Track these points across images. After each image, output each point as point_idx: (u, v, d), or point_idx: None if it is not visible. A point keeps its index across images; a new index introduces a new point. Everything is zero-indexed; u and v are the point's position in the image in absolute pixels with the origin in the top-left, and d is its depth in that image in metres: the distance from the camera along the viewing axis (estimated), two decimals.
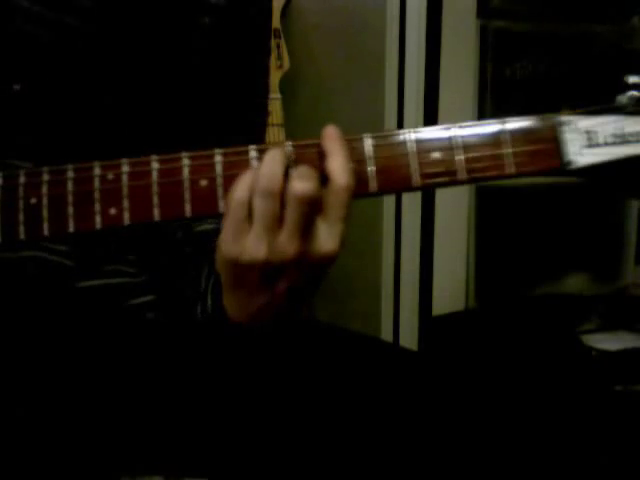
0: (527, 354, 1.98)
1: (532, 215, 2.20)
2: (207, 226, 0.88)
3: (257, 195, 0.65)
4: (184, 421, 0.79)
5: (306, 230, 0.65)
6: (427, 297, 2.12)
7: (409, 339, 2.13)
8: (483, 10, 2.14)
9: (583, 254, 2.26)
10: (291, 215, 0.64)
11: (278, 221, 0.65)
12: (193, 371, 0.83)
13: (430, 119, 2.05)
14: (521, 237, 2.22)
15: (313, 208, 0.65)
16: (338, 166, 0.66)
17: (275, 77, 2.17)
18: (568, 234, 2.22)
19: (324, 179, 0.66)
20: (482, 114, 2.16)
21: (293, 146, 0.67)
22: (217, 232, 0.86)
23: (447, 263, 2.14)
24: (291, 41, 2.24)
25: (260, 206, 0.65)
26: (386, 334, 2.12)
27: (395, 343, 2.08)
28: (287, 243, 0.65)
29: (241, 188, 0.65)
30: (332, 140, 0.67)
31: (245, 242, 0.66)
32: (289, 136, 2.19)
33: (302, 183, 0.64)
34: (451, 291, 2.18)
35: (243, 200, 0.65)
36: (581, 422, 1.64)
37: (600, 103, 0.67)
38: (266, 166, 0.65)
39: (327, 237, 0.66)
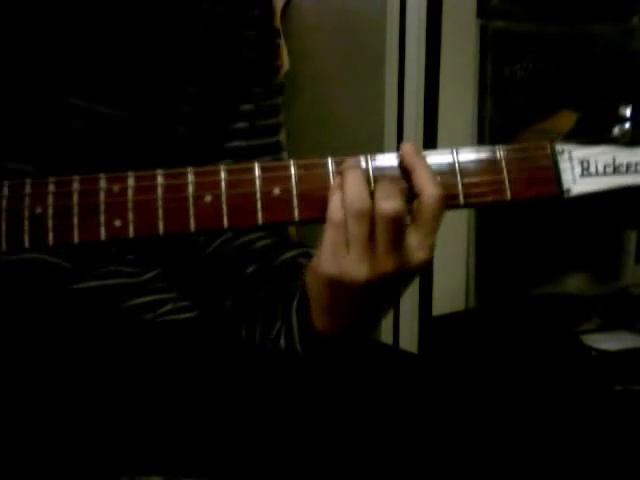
0: (527, 354, 1.98)
1: (532, 215, 2.20)
2: (265, 241, 0.89)
3: (350, 217, 0.66)
4: (184, 422, 0.79)
5: (398, 244, 0.67)
6: (427, 297, 2.12)
7: (409, 339, 2.13)
8: (483, 10, 2.13)
9: (583, 254, 2.26)
10: (382, 234, 0.66)
11: (372, 240, 0.66)
12: (193, 372, 0.83)
13: (430, 119, 2.05)
14: (521, 237, 2.21)
15: (402, 223, 0.67)
16: (427, 179, 0.67)
17: None
18: (568, 234, 2.22)
19: (410, 195, 0.68)
20: (482, 114, 2.16)
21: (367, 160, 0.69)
22: (275, 247, 0.88)
23: (447, 263, 2.14)
24: (291, 41, 2.23)
25: (355, 228, 0.66)
26: (386, 334, 2.12)
27: (395, 343, 2.08)
28: (385, 260, 0.67)
29: (337, 209, 0.67)
30: (413, 156, 0.68)
31: (344, 263, 0.67)
32: (289, 136, 2.18)
33: (388, 202, 0.66)
34: (451, 291, 2.18)
35: (341, 221, 0.67)
36: (581, 422, 1.64)
37: (596, 128, 0.69)
38: (352, 188, 0.66)
39: (419, 247, 0.68)
